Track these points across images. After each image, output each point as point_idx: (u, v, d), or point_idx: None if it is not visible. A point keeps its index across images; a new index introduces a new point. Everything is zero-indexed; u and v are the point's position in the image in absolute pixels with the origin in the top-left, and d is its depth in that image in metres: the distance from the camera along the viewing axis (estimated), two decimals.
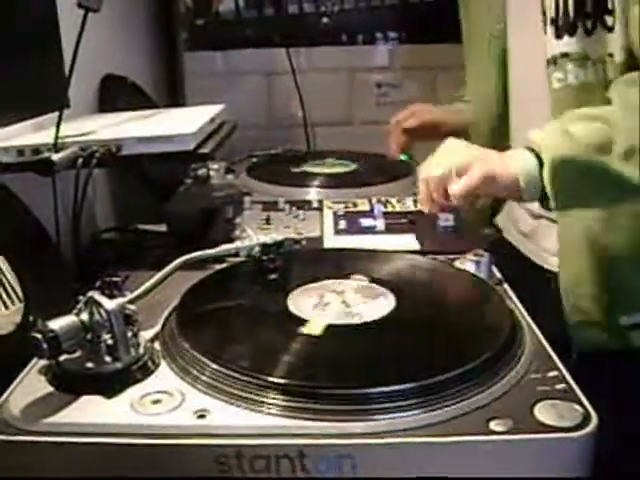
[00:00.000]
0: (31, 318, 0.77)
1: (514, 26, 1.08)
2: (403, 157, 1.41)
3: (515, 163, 0.85)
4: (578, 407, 0.58)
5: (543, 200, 0.85)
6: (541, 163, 0.83)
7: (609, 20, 0.91)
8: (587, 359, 0.95)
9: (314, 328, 0.69)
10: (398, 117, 1.38)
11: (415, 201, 1.15)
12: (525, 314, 0.76)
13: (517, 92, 1.10)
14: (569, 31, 0.93)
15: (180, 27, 1.81)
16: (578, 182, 0.84)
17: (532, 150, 0.85)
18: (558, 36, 0.94)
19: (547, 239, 1.06)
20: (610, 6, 0.90)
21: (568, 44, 0.93)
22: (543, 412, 0.57)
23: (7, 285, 0.78)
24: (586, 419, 0.57)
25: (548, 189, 0.83)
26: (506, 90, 1.12)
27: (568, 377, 0.63)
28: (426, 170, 0.89)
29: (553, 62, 0.95)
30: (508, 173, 0.84)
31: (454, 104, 1.37)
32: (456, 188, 0.84)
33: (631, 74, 0.89)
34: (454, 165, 0.85)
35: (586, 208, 0.93)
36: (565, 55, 0.94)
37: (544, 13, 0.96)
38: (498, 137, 1.12)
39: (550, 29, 0.95)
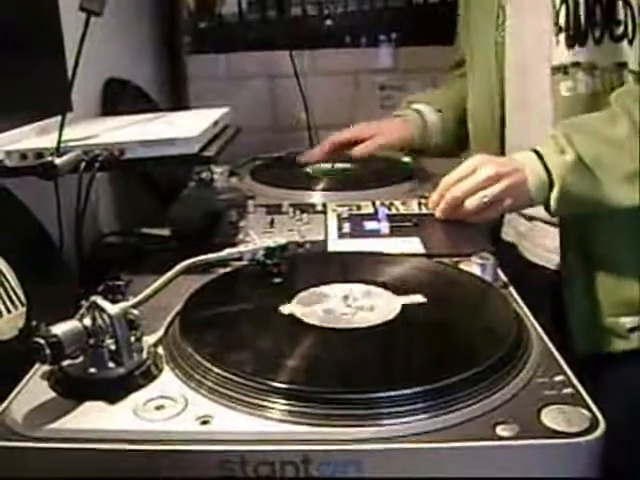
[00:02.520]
0: (34, 323, 0.76)
1: (512, 32, 1.10)
2: (406, 160, 1.41)
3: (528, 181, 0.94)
4: (586, 412, 0.57)
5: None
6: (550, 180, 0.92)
7: (618, 30, 0.93)
8: (588, 361, 0.95)
9: None
10: (340, 137, 1.37)
11: (420, 204, 1.14)
12: (531, 317, 0.75)
13: (513, 96, 1.12)
14: (580, 40, 0.95)
15: (183, 30, 1.80)
16: (582, 203, 0.93)
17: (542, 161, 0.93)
18: (570, 45, 0.96)
19: (542, 239, 1.09)
20: (621, 17, 0.93)
21: (579, 53, 0.96)
22: (550, 417, 0.57)
23: (9, 289, 0.78)
24: (594, 424, 0.56)
25: (553, 207, 0.93)
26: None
27: (575, 381, 0.62)
28: (450, 181, 1.00)
29: (563, 71, 0.98)
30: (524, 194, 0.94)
31: (406, 111, 1.36)
32: (471, 204, 0.96)
33: (630, 87, 0.94)
34: (477, 182, 0.96)
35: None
36: (576, 64, 0.96)
37: (556, 23, 0.97)
38: (497, 142, 1.15)
39: (561, 38, 0.97)
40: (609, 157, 0.91)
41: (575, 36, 0.96)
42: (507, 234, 1.21)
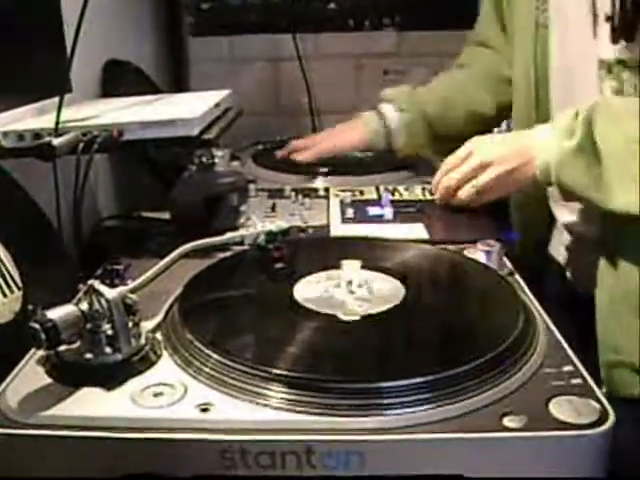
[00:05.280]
0: (30, 307, 0.75)
1: (556, 18, 0.95)
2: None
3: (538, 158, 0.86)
4: (595, 403, 0.56)
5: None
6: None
7: None
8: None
9: None
10: (297, 143, 1.32)
11: (424, 189, 1.13)
12: (538, 306, 0.74)
13: (557, 88, 0.97)
14: (627, 34, 0.81)
15: (185, 12, 1.78)
16: (581, 194, 0.83)
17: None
18: (614, 40, 0.82)
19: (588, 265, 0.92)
20: None
21: (625, 49, 0.81)
22: (558, 408, 0.55)
23: (5, 273, 0.76)
24: (603, 416, 0.55)
25: (555, 190, 0.86)
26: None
27: (584, 371, 0.61)
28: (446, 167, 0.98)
29: (607, 68, 0.84)
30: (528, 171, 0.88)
31: (367, 112, 1.28)
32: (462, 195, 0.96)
33: None
34: (465, 171, 0.95)
35: None
36: (621, 62, 0.82)
37: (594, 13, 0.84)
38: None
39: (604, 29, 0.83)
40: (621, 153, 0.78)
41: (621, 28, 0.81)
42: (554, 249, 1.06)
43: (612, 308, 0.85)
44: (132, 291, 0.65)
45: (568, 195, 0.85)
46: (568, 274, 1.02)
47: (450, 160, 0.99)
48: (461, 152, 0.98)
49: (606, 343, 0.86)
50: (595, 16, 0.85)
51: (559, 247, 1.04)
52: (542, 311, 0.73)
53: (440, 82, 1.29)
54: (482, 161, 0.93)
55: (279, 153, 1.34)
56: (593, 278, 0.88)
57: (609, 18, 0.82)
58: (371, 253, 0.83)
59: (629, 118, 0.78)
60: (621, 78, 0.83)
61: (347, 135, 1.28)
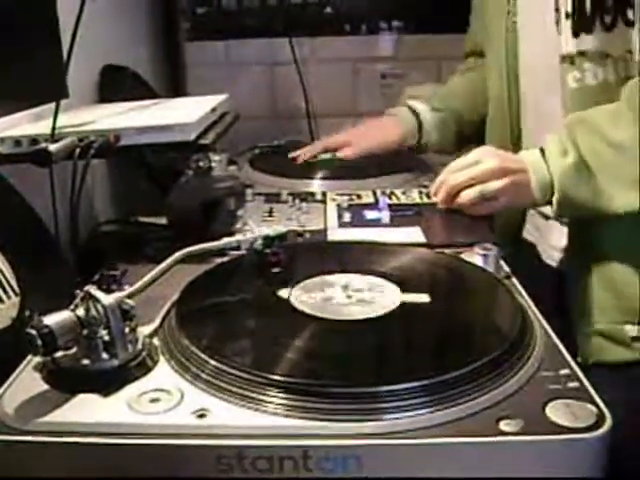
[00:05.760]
0: (27, 312, 0.75)
1: (524, 21, 1.04)
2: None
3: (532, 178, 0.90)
4: (591, 407, 0.56)
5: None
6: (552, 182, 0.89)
7: (630, 14, 0.86)
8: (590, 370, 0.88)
9: None
10: (331, 142, 1.34)
11: (421, 193, 1.13)
12: (535, 309, 0.74)
13: (527, 90, 1.06)
14: (586, 28, 0.88)
15: (181, 16, 1.78)
16: (583, 208, 0.88)
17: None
18: (575, 33, 0.90)
19: (558, 240, 1.04)
20: None
21: (585, 42, 0.89)
22: (555, 412, 0.55)
23: (2, 279, 0.76)
24: (600, 419, 0.55)
25: (555, 210, 0.90)
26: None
27: (581, 375, 0.61)
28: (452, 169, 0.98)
29: (569, 61, 0.91)
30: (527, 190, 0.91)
31: (401, 109, 1.31)
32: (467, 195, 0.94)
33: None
34: (477, 173, 0.94)
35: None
36: (582, 54, 0.90)
37: (557, 9, 0.92)
38: (511, 138, 1.10)
39: (566, 25, 0.90)
40: (611, 160, 0.86)
41: (580, 23, 0.89)
42: (529, 232, 1.14)
43: (583, 281, 0.95)
44: (129, 297, 0.65)
45: (566, 209, 0.91)
46: (540, 250, 1.10)
47: (459, 162, 0.99)
48: (470, 158, 0.97)
49: (579, 315, 0.96)
50: (558, 14, 0.92)
51: (532, 230, 1.13)
52: (539, 314, 0.73)
53: (458, 84, 1.33)
54: (494, 168, 0.93)
55: (303, 155, 1.33)
56: (563, 254, 1.02)
57: (570, 15, 0.90)
58: (368, 257, 0.83)
59: (605, 125, 0.87)
60: (583, 68, 0.90)
61: (387, 132, 1.30)
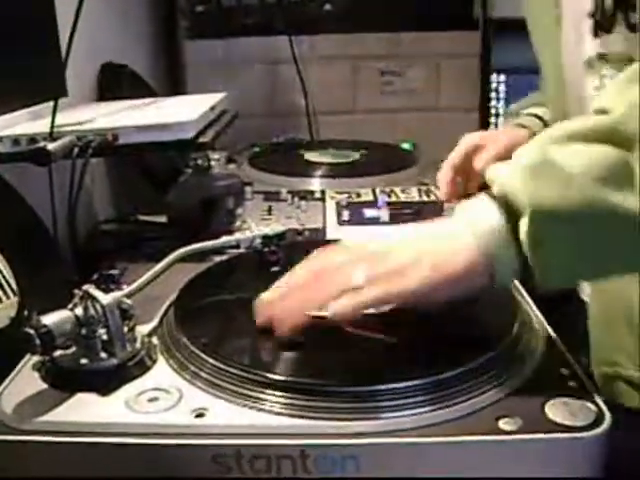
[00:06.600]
0: (26, 312, 0.75)
1: (564, 19, 0.84)
2: (406, 146, 1.39)
3: (460, 241, 0.59)
4: (591, 405, 0.56)
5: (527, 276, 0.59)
6: (514, 219, 0.57)
7: None
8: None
9: None
10: (454, 158, 1.06)
11: (420, 190, 1.13)
12: (535, 308, 0.74)
13: (570, 98, 0.85)
14: (606, 27, 0.74)
15: (180, 15, 1.78)
16: (577, 242, 0.56)
17: (496, 200, 0.59)
18: (595, 34, 0.76)
19: None
20: None
21: (605, 43, 0.75)
22: (554, 410, 0.55)
23: (1, 278, 0.76)
24: (599, 418, 0.54)
25: (532, 261, 0.56)
26: None
27: (580, 374, 0.61)
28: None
29: (589, 65, 0.78)
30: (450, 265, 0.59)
31: (522, 119, 1.09)
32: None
33: (632, 68, 0.63)
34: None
35: (593, 278, 0.72)
36: (602, 56, 0.76)
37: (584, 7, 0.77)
38: None
39: (586, 25, 0.77)
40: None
41: (601, 21, 0.75)
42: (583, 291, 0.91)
43: (607, 323, 0.80)
44: (127, 296, 0.65)
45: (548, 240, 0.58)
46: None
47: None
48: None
49: (601, 356, 0.81)
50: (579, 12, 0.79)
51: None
52: (538, 313, 0.72)
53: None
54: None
55: (448, 192, 1.06)
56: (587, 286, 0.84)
57: (591, 13, 0.77)
58: None
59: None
60: (602, 74, 0.77)
61: (507, 138, 1.05)
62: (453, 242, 0.60)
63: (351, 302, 0.60)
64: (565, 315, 0.84)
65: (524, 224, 0.55)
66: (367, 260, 0.62)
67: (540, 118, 1.07)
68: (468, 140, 1.07)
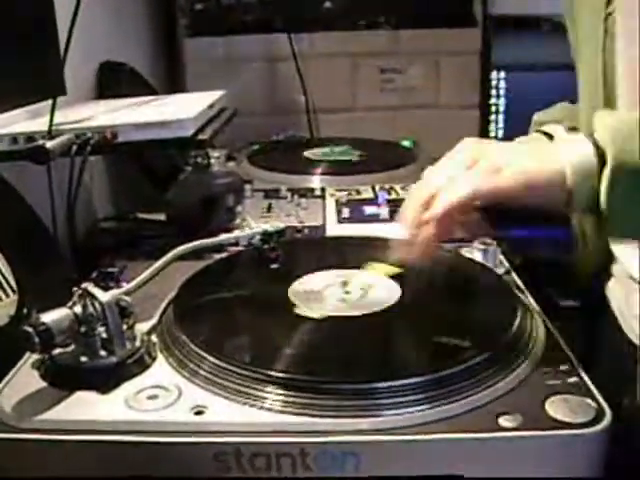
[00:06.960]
0: (25, 310, 0.75)
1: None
2: (406, 143, 1.39)
3: (557, 156, 0.62)
4: (591, 402, 0.56)
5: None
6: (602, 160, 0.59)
7: None
8: None
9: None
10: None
11: None
12: (535, 304, 0.73)
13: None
14: None
15: (180, 12, 1.78)
16: None
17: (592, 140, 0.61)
18: None
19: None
20: None
21: None
22: (554, 407, 0.55)
23: (0, 277, 0.76)
24: (599, 414, 0.54)
25: (603, 200, 0.59)
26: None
27: (580, 370, 0.61)
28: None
29: None
30: (543, 169, 0.61)
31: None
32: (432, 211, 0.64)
33: None
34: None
35: None
36: None
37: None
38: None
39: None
40: None
41: None
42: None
43: None
44: (126, 293, 0.65)
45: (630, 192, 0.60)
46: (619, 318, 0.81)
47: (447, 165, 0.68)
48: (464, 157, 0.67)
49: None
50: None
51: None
52: (539, 309, 0.72)
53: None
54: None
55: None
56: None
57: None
58: (367, 253, 0.83)
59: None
60: None
61: None
62: (547, 157, 0.63)
63: (443, 197, 0.63)
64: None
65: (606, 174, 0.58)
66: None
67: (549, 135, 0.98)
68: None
